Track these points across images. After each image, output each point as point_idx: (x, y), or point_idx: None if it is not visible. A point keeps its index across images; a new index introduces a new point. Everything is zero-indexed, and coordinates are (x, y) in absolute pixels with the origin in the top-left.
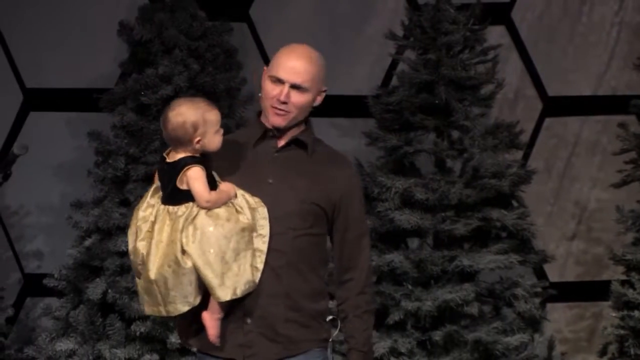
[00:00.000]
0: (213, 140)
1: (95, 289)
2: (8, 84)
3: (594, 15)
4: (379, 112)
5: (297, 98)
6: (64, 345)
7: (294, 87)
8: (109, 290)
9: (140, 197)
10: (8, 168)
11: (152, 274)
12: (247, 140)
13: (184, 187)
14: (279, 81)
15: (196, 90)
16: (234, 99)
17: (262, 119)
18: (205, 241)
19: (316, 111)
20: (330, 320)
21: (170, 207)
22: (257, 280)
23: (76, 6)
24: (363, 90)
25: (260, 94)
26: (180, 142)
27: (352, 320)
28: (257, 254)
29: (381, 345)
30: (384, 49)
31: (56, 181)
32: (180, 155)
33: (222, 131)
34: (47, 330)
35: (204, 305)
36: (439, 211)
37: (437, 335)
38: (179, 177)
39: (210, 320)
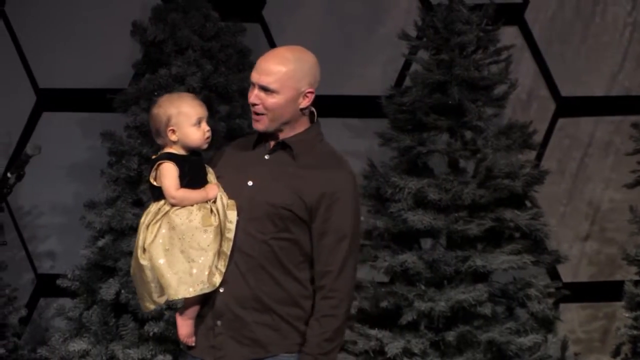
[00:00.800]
0: (189, 133)
1: (108, 290)
2: (21, 85)
3: (607, 15)
4: (392, 113)
5: (267, 100)
6: (77, 345)
7: (262, 88)
8: (122, 291)
9: None
10: (21, 168)
11: (131, 271)
12: (248, 142)
13: (156, 183)
14: (252, 84)
15: (209, 90)
16: (247, 99)
17: None
18: (164, 239)
19: (329, 111)
20: None
21: (152, 204)
22: (216, 283)
23: (89, 6)
24: (376, 90)
25: None
26: (157, 132)
27: (311, 324)
28: (222, 257)
29: (394, 346)
30: (397, 49)
31: (69, 181)
32: (165, 151)
33: (206, 128)
34: (61, 331)
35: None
36: (452, 211)
37: (450, 336)
38: (151, 173)
39: (181, 320)
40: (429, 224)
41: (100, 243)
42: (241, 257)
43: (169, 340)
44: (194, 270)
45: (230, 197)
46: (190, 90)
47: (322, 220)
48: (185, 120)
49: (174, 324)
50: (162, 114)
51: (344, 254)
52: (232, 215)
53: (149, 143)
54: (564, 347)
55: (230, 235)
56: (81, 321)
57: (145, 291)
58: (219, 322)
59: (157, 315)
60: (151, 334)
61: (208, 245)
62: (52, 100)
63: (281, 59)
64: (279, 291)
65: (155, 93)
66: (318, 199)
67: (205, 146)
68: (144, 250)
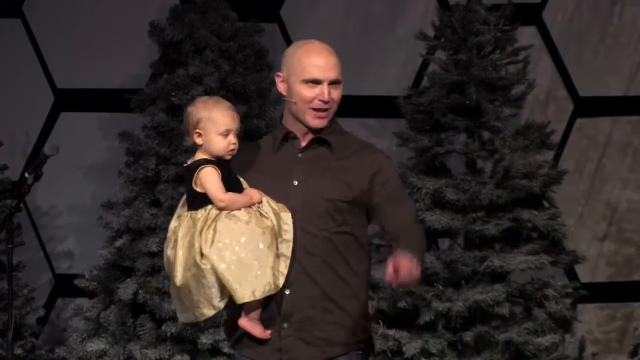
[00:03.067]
0: (214, 141)
1: (126, 290)
2: (39, 85)
3: (625, 16)
4: (409, 113)
5: (336, 93)
6: (95, 345)
7: (332, 83)
8: (140, 291)
9: (171, 198)
10: (39, 169)
11: (178, 280)
12: (270, 145)
13: (199, 189)
14: (315, 82)
15: (227, 91)
16: (265, 99)
17: (285, 122)
18: (223, 243)
19: (347, 111)
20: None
21: (193, 212)
22: (280, 284)
23: (107, 7)
24: (394, 90)
25: (288, 100)
26: (186, 131)
27: (407, 237)
28: (282, 258)
29: (412, 346)
30: (414, 49)
31: (87, 182)
32: (196, 157)
33: (232, 140)
34: (78, 331)
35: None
36: (470, 212)
37: (468, 336)
38: (193, 179)
39: (248, 323)
40: (446, 224)
41: (118, 243)
42: (305, 257)
43: (186, 340)
44: (258, 272)
45: (276, 201)
46: (208, 90)
47: (380, 197)
48: (213, 127)
49: (191, 324)
50: (194, 114)
51: (413, 212)
52: (287, 217)
53: (166, 143)
54: (581, 347)
55: (288, 236)
56: (99, 321)
57: (203, 298)
58: (285, 325)
59: (175, 316)
60: (169, 334)
61: (268, 247)
62: (69, 100)
63: (330, 51)
64: (344, 286)
65: (173, 93)
66: (370, 181)
67: (228, 157)
68: (202, 255)
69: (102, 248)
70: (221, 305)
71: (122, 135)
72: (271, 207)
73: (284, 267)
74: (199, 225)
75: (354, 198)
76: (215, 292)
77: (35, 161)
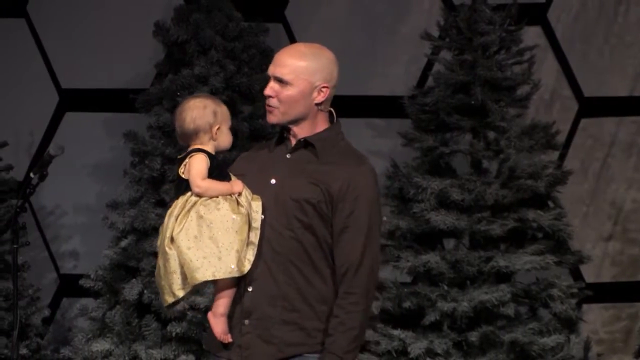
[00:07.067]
0: (228, 134)
1: (131, 290)
2: (44, 85)
3: (630, 15)
4: (414, 113)
5: (281, 92)
6: (100, 345)
7: (277, 80)
8: (145, 291)
9: (176, 198)
10: (44, 168)
11: (157, 265)
12: (270, 144)
13: (185, 175)
14: (269, 76)
15: (232, 91)
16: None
17: None
18: (191, 227)
19: (352, 111)
20: None
21: (177, 199)
22: (244, 270)
23: (112, 7)
24: (399, 90)
25: None
26: (199, 130)
27: (335, 322)
28: (251, 246)
29: (417, 346)
30: (419, 49)
31: (92, 182)
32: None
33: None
34: (83, 331)
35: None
36: (475, 212)
37: (473, 336)
38: (180, 167)
39: (213, 318)
40: (451, 224)
41: (123, 243)
42: (270, 254)
43: (191, 340)
44: (222, 255)
45: None
46: (214, 90)
47: (344, 215)
48: (226, 121)
49: (196, 324)
50: (209, 109)
51: (362, 249)
52: (257, 206)
53: (171, 143)
54: (586, 347)
55: (257, 224)
56: (104, 321)
57: (166, 283)
58: (246, 322)
59: (180, 316)
60: (174, 334)
61: (236, 231)
62: (74, 100)
63: (297, 52)
64: (308, 289)
65: (178, 93)
66: (340, 194)
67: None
68: (172, 239)
69: (107, 248)
70: (180, 294)
71: (128, 136)
72: (246, 196)
73: (251, 255)
74: (176, 211)
75: (319, 202)
76: (176, 278)
77: (40, 161)
